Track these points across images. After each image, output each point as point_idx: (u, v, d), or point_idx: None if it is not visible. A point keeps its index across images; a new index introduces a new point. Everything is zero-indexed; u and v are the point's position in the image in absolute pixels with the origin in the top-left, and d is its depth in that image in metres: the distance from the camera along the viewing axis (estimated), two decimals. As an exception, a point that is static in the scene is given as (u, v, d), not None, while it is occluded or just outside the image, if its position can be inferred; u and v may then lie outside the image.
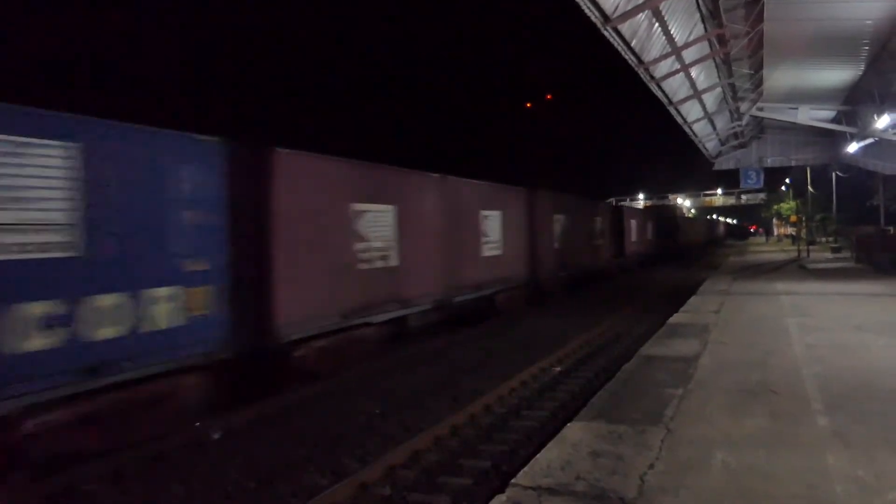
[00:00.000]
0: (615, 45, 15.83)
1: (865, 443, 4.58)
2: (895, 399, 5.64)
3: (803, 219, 38.35)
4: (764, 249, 43.51)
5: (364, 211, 10.22)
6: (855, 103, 22.01)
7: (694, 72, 20.81)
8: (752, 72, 20.29)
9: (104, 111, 6.99)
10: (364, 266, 10.17)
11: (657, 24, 16.26)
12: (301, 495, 5.66)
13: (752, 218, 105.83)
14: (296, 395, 8.85)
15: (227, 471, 6.30)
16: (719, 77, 22.36)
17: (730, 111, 27.14)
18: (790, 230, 58.49)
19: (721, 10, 15.59)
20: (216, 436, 7.21)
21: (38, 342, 5.67)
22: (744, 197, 76.05)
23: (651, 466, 4.28)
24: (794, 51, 16.70)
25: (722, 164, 35.15)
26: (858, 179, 33.46)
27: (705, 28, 17.53)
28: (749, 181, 33.83)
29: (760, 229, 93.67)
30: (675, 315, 11.71)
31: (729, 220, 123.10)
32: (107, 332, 6.24)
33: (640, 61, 17.46)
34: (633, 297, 20.28)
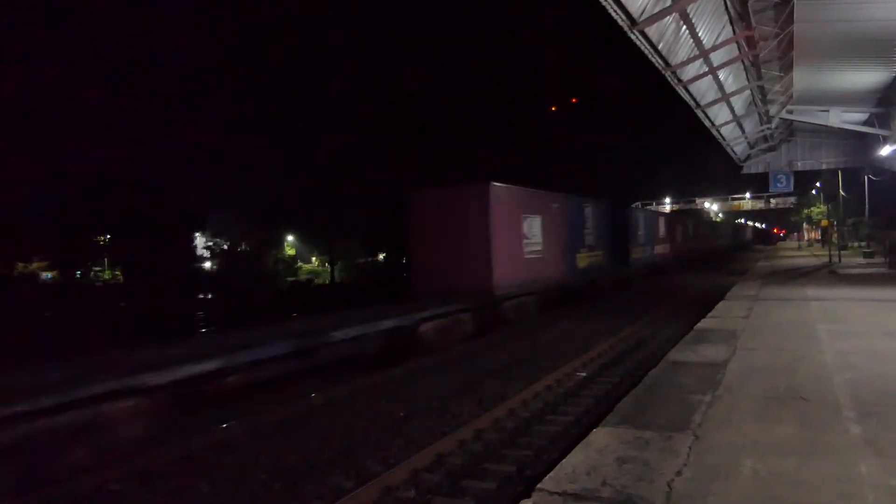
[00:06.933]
0: (642, 48, 15.74)
1: (899, 452, 4.47)
2: (930, 407, 5.50)
3: (834, 223, 37.61)
4: (794, 254, 42.76)
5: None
6: (888, 105, 21.53)
7: (722, 74, 20.58)
8: (782, 74, 19.98)
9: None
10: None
11: (685, 27, 16.13)
12: (326, 497, 5.70)
13: (781, 222, 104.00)
14: (322, 397, 8.94)
15: (254, 471, 6.37)
16: (748, 79, 22.08)
17: (759, 114, 26.76)
18: (817, 234, 57.52)
19: (750, 11, 15.39)
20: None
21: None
22: (773, 201, 74.73)
23: (678, 473, 4.23)
24: (825, 52, 16.39)
25: (750, 168, 34.66)
26: (892, 183, 32.72)
27: (734, 30, 17.33)
28: (778, 185, 33.27)
29: (794, 234, 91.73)
30: (703, 320, 11.57)
31: (757, 225, 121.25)
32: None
33: (668, 64, 17.32)
34: (659, 301, 20.08)
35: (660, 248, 30.96)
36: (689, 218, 47.94)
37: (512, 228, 15.37)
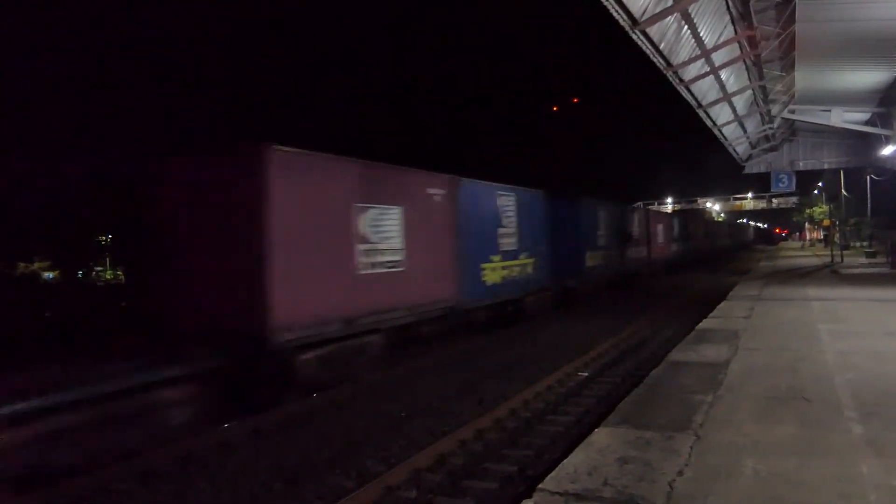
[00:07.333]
0: (643, 48, 15.75)
1: (901, 452, 4.46)
2: (932, 408, 5.49)
3: (836, 223, 37.58)
4: (796, 254, 42.68)
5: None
6: (890, 105, 21.52)
7: (724, 74, 20.58)
8: (784, 74, 19.98)
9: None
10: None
11: (686, 27, 16.13)
12: (327, 497, 5.69)
13: (783, 222, 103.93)
14: (323, 397, 8.92)
15: (255, 472, 6.37)
16: (749, 79, 22.08)
17: (760, 114, 26.76)
18: (819, 234, 57.47)
19: (751, 11, 15.40)
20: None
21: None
22: (775, 201, 74.72)
23: (680, 473, 4.23)
24: (827, 52, 16.38)
25: (752, 168, 34.66)
26: (894, 183, 32.68)
27: (735, 30, 17.33)
28: (780, 185, 33.26)
29: (796, 233, 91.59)
30: (705, 320, 11.56)
31: (759, 224, 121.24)
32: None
33: (669, 64, 17.32)
34: (660, 301, 20.06)
35: (633, 252, 26.02)
36: (677, 216, 43.49)
37: (328, 226, 9.41)
